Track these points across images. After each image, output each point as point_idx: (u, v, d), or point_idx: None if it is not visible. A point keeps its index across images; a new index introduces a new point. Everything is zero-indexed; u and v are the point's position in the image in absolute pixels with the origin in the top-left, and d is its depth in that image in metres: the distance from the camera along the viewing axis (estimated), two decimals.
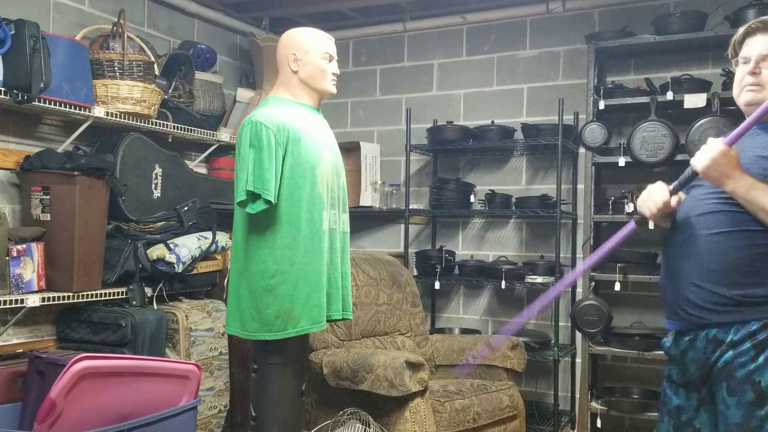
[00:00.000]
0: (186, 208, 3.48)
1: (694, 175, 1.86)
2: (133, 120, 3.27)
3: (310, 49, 2.52)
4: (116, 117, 3.19)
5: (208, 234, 3.47)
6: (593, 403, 3.66)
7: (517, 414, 3.29)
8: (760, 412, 1.75)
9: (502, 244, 4.31)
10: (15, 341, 3.05)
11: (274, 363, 2.46)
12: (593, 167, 3.70)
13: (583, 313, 3.57)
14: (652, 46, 3.70)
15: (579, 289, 3.93)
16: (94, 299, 3.06)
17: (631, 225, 1.99)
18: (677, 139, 3.45)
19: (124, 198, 3.24)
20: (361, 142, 4.28)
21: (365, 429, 2.68)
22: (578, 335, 3.74)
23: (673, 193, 1.92)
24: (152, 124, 3.38)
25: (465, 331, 4.19)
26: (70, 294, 2.96)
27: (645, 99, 3.58)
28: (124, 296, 3.17)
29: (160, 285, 3.31)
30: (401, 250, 4.29)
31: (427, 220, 4.48)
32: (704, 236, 1.85)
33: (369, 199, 4.27)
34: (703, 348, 1.85)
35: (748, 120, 1.80)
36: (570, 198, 4.07)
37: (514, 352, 3.42)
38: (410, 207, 4.20)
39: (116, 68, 3.16)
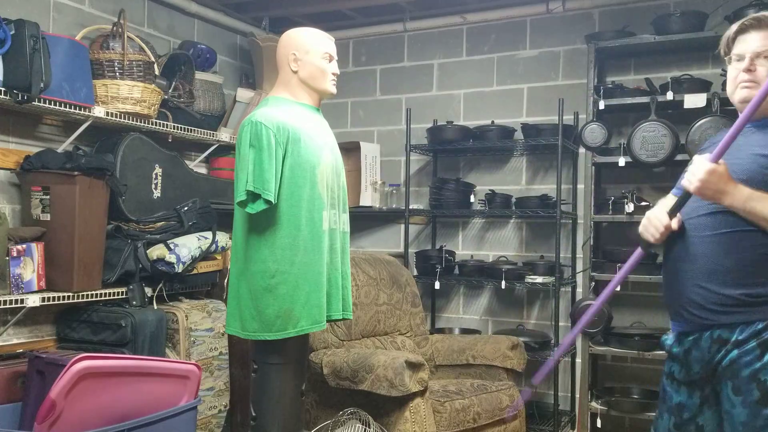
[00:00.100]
0: (186, 208, 3.48)
1: (688, 195, 1.84)
2: (133, 120, 3.27)
3: (310, 49, 2.52)
4: (116, 117, 3.19)
5: (208, 234, 3.47)
6: (593, 403, 3.66)
7: (517, 414, 3.29)
8: (766, 411, 1.75)
9: (502, 244, 4.31)
10: (15, 341, 3.05)
11: (274, 363, 2.45)
12: (593, 167, 3.70)
13: (582, 313, 3.56)
14: (652, 46, 3.70)
15: (579, 289, 3.93)
16: (94, 299, 3.06)
17: (639, 252, 1.98)
18: (677, 139, 3.46)
19: (124, 198, 3.24)
20: (361, 142, 4.28)
21: (365, 429, 2.68)
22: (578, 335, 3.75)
23: (671, 215, 1.90)
24: (152, 124, 3.38)
25: (465, 331, 4.19)
26: (70, 294, 2.95)
27: (645, 99, 3.58)
28: (124, 296, 3.17)
29: (160, 285, 3.31)
30: (401, 250, 4.29)
31: (427, 220, 4.48)
32: (707, 237, 1.85)
33: (369, 199, 4.26)
34: (708, 347, 1.85)
35: (731, 132, 1.78)
36: (570, 198, 4.07)
37: (514, 352, 3.42)
38: (410, 207, 4.20)
39: (116, 68, 3.16)
